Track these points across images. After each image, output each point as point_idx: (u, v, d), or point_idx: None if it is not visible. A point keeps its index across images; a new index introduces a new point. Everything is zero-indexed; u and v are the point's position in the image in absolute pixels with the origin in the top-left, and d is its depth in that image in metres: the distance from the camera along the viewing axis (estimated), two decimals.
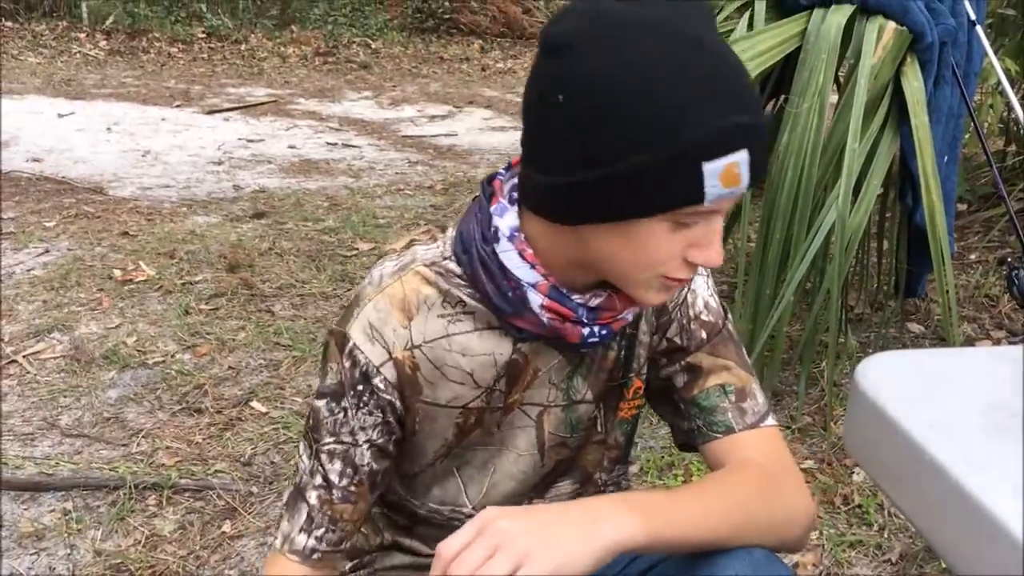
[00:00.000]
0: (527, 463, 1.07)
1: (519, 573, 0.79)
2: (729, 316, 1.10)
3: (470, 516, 0.86)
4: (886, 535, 1.97)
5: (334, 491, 0.99)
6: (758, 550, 0.92)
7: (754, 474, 0.99)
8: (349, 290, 3.22)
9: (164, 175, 4.75)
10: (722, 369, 1.06)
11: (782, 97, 2.49)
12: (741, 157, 0.81)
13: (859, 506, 2.06)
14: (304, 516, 0.99)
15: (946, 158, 2.53)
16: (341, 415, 0.98)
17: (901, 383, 0.82)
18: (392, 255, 1.01)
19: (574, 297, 0.94)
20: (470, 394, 1.01)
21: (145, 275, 3.31)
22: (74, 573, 1.84)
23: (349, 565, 1.18)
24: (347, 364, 0.97)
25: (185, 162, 5.02)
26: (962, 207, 3.70)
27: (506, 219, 0.94)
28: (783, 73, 2.53)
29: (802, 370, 2.42)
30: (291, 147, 5.48)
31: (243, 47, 8.92)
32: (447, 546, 0.82)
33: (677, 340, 1.07)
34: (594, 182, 0.83)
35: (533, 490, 1.10)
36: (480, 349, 0.99)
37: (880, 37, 2.33)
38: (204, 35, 8.99)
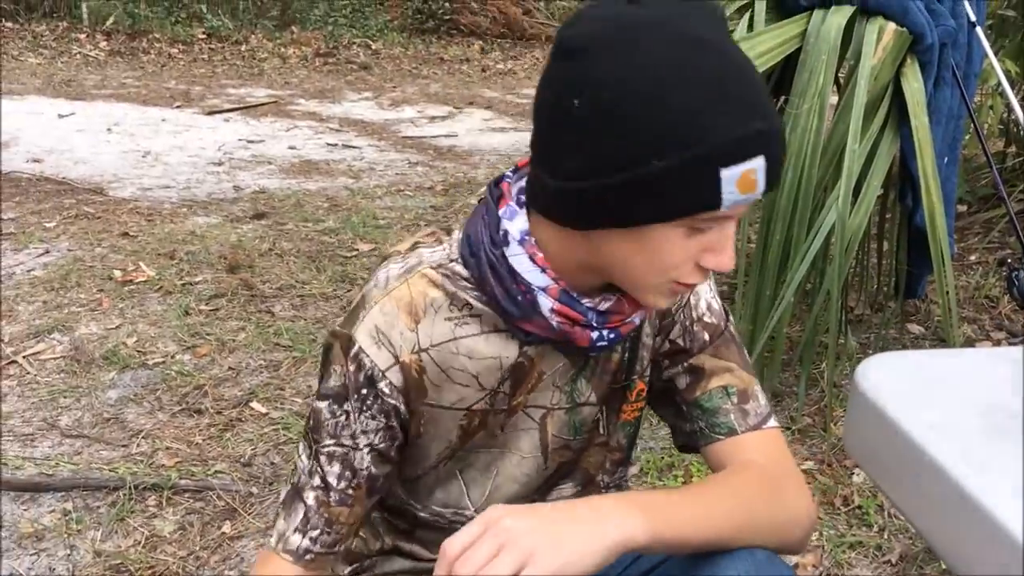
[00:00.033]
0: (530, 465, 1.07)
1: (524, 572, 0.79)
2: (730, 318, 1.10)
3: (472, 519, 0.86)
4: (886, 536, 1.97)
5: (332, 493, 0.98)
6: (760, 551, 0.92)
7: (756, 476, 0.99)
8: (349, 291, 3.23)
9: (164, 176, 4.76)
10: (724, 371, 1.06)
11: (782, 98, 2.49)
12: (758, 163, 0.81)
13: (859, 507, 2.06)
14: (300, 516, 0.99)
15: (946, 159, 2.53)
16: (343, 418, 0.97)
17: (901, 384, 0.82)
18: (396, 257, 1.00)
19: (584, 301, 0.94)
20: (474, 396, 1.01)
21: (145, 276, 3.31)
22: (74, 574, 1.83)
23: (348, 570, 1.17)
24: (352, 368, 0.96)
25: (185, 163, 5.03)
26: (962, 208, 3.70)
27: (516, 222, 0.94)
28: (783, 74, 2.53)
29: (802, 371, 2.42)
30: (291, 148, 5.48)
31: (243, 48, 8.92)
32: (451, 544, 0.82)
33: (680, 342, 1.07)
34: (610, 187, 0.82)
35: (536, 492, 1.10)
36: (486, 352, 0.98)
37: (880, 38, 2.33)
38: (204, 36, 9.00)
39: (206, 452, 2.25)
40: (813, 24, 2.39)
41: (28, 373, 2.62)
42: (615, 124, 0.81)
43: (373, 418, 0.97)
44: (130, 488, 2.07)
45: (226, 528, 1.98)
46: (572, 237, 0.90)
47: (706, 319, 1.07)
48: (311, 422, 1.00)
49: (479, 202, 1.00)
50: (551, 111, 0.86)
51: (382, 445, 0.98)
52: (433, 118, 6.65)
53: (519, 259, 0.93)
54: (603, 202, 0.84)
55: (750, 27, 2.50)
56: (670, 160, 0.79)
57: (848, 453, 1.24)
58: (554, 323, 0.94)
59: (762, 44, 2.38)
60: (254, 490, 2.10)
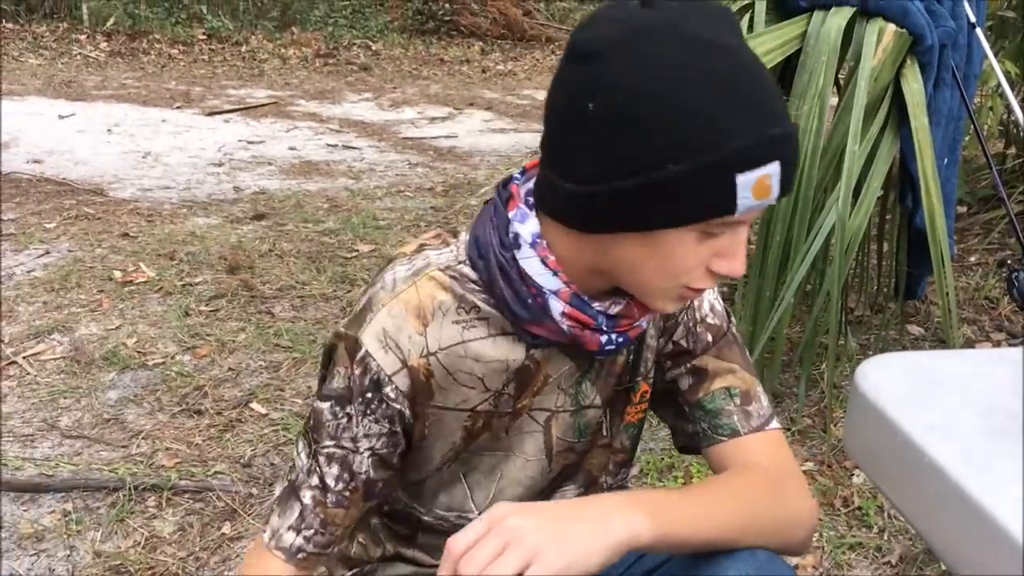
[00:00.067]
0: (535, 468, 1.07)
1: (529, 570, 0.79)
2: (732, 319, 1.10)
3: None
4: (886, 537, 1.97)
5: (329, 494, 0.97)
6: (761, 551, 0.92)
7: (759, 477, 0.99)
8: (349, 292, 3.23)
9: (164, 176, 4.76)
10: (727, 372, 1.06)
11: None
12: (773, 169, 0.81)
13: (859, 508, 2.06)
14: (296, 515, 0.98)
15: (946, 160, 2.53)
16: (344, 420, 0.96)
17: (901, 385, 0.82)
18: (403, 259, 0.99)
19: (594, 305, 0.93)
20: (478, 397, 1.00)
21: (145, 276, 3.31)
22: (73, 574, 1.83)
23: (349, 574, 1.17)
24: (357, 371, 0.95)
25: (185, 163, 5.03)
26: (962, 209, 3.70)
27: (528, 225, 0.93)
28: (783, 75, 2.53)
29: (802, 372, 2.42)
30: (291, 149, 5.48)
31: (244, 49, 8.92)
32: (456, 542, 0.81)
33: (683, 343, 1.07)
34: (623, 191, 0.82)
35: (539, 495, 1.09)
36: (494, 355, 0.98)
37: (880, 39, 2.33)
38: (205, 37, 9.00)
39: (206, 453, 2.25)
40: (813, 25, 2.39)
41: (28, 374, 2.62)
42: (629, 128, 0.80)
43: (376, 422, 0.96)
44: (130, 489, 2.07)
45: (226, 529, 1.98)
46: (581, 240, 0.89)
47: (709, 320, 1.07)
48: (311, 421, 0.99)
49: (485, 203, 0.99)
50: (564, 114, 0.85)
51: (383, 450, 0.98)
52: (433, 119, 6.65)
53: (531, 262, 0.92)
54: (615, 206, 0.83)
55: (750, 28, 2.50)
56: (685, 165, 0.79)
57: (848, 454, 1.24)
58: (564, 327, 0.93)
59: (762, 45, 2.38)
60: (254, 491, 2.10)
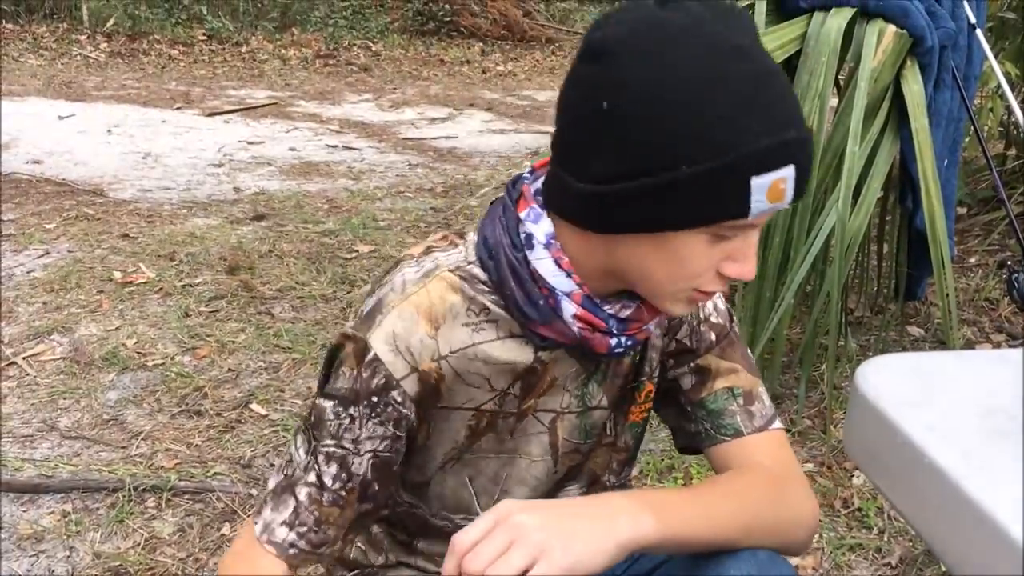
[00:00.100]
0: (540, 469, 1.06)
1: (535, 568, 0.79)
2: (735, 318, 1.10)
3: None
4: (886, 538, 1.97)
5: (325, 493, 0.96)
6: (762, 551, 0.92)
7: (763, 478, 0.99)
8: (349, 293, 3.23)
9: (164, 177, 4.76)
10: (730, 372, 1.06)
11: None
12: (788, 173, 0.80)
13: (859, 509, 2.06)
14: (290, 510, 0.96)
15: (946, 161, 2.53)
16: (347, 421, 0.95)
17: (901, 386, 0.82)
18: (410, 261, 0.98)
19: (605, 307, 0.93)
20: (484, 396, 0.99)
21: (145, 277, 3.31)
22: (73, 575, 1.83)
23: (349, 575, 1.17)
24: (365, 374, 0.93)
25: (185, 164, 5.03)
26: (962, 210, 3.70)
27: (541, 225, 0.92)
28: None
29: (802, 373, 2.42)
30: (291, 149, 5.48)
31: (244, 49, 8.93)
32: (461, 538, 0.81)
33: (686, 342, 1.06)
34: (637, 192, 0.81)
35: (544, 495, 1.09)
36: (502, 358, 0.97)
37: (880, 40, 2.33)
38: (205, 37, 9.00)
39: (205, 454, 2.25)
40: (813, 26, 2.39)
41: (28, 374, 2.62)
42: (643, 128, 0.80)
43: (381, 424, 0.95)
44: (129, 490, 2.07)
45: (225, 530, 1.98)
46: (592, 240, 0.89)
47: (712, 319, 1.07)
48: (312, 418, 0.97)
49: (492, 203, 0.98)
50: (577, 112, 0.85)
51: (385, 453, 0.97)
52: (433, 120, 6.65)
53: (544, 263, 0.91)
54: (627, 206, 0.83)
55: None
56: (698, 166, 0.79)
57: (848, 455, 1.24)
58: (575, 329, 0.93)
59: None
60: (253, 492, 2.10)
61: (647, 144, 0.80)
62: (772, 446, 1.04)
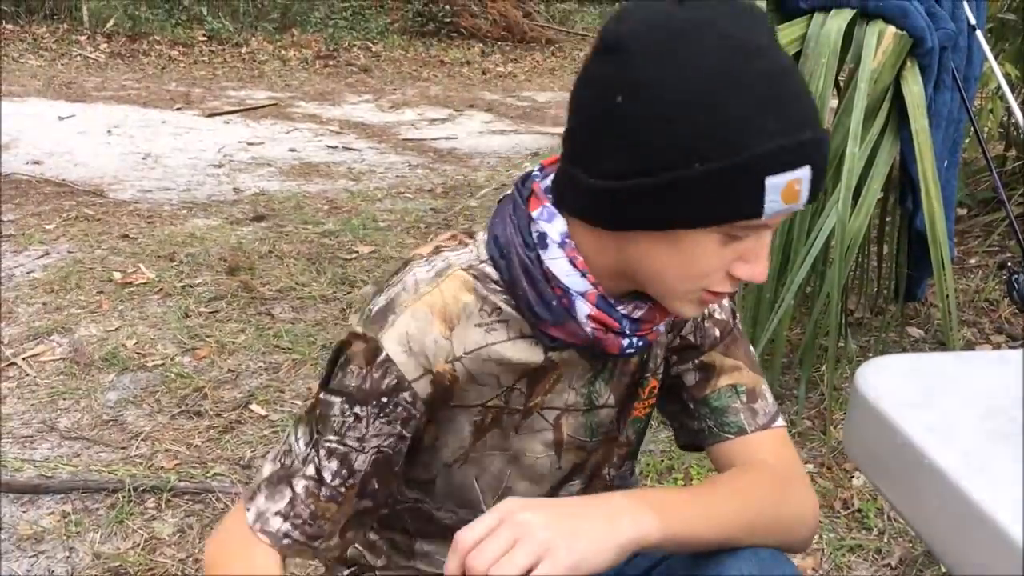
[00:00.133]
0: (544, 465, 1.06)
1: (538, 567, 0.79)
2: (737, 315, 1.09)
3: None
4: (886, 539, 1.97)
5: (323, 488, 0.94)
6: (764, 549, 0.92)
7: (767, 476, 0.99)
8: (349, 293, 3.23)
9: (164, 178, 4.76)
10: (733, 369, 1.05)
11: None
12: (804, 174, 0.80)
13: (859, 510, 2.06)
14: (286, 501, 0.94)
15: (946, 163, 2.53)
16: (352, 419, 0.93)
17: (901, 387, 0.82)
18: (420, 260, 0.97)
19: (618, 308, 0.92)
20: (490, 393, 0.98)
21: (145, 278, 3.31)
22: None
23: (347, 572, 1.17)
24: (376, 374, 0.92)
25: (185, 165, 5.03)
26: (962, 211, 3.70)
27: (555, 224, 0.91)
28: None
29: (802, 374, 2.42)
30: (291, 150, 5.48)
31: (244, 50, 8.93)
32: (465, 536, 0.81)
33: (691, 338, 1.06)
34: (650, 189, 0.80)
35: (548, 491, 1.08)
36: (515, 358, 0.96)
37: (880, 41, 2.33)
38: (205, 38, 9.00)
39: (205, 454, 2.25)
40: (813, 27, 2.39)
41: (28, 375, 2.61)
42: (658, 124, 0.79)
43: (388, 424, 0.93)
44: (129, 490, 2.07)
45: None
46: (602, 239, 0.88)
47: (716, 315, 1.06)
48: (317, 411, 0.96)
49: (500, 201, 0.97)
50: (591, 107, 0.84)
51: (389, 451, 0.95)
52: (433, 121, 6.65)
53: (559, 262, 0.90)
54: (640, 203, 0.82)
55: None
56: (713, 165, 0.78)
57: (848, 456, 1.24)
58: (588, 329, 0.92)
59: None
60: None
61: (660, 141, 0.79)
62: (775, 444, 1.04)
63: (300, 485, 0.94)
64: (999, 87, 2.80)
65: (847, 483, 2.15)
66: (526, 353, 0.96)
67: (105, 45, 8.64)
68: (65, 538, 1.94)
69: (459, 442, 1.02)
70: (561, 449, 1.05)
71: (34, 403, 2.47)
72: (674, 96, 0.78)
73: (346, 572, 1.16)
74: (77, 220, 3.96)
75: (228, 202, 4.36)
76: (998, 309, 3.04)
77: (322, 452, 0.94)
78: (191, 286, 3.25)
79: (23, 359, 2.69)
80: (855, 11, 2.39)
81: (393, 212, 4.28)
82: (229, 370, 2.66)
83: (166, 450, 2.26)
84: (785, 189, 0.79)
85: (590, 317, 0.91)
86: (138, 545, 1.92)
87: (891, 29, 2.35)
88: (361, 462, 0.94)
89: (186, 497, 2.08)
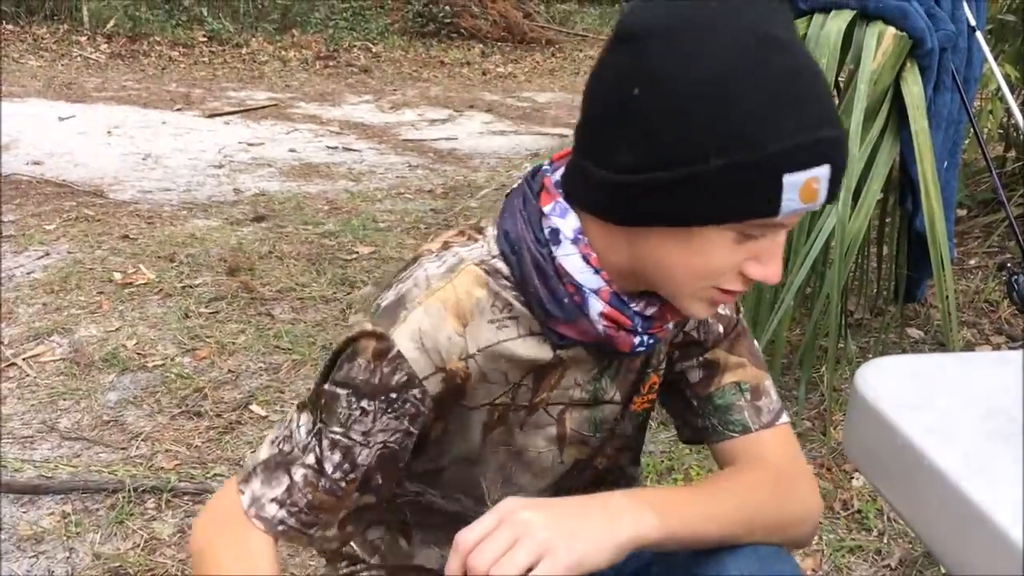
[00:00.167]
0: (546, 459, 1.05)
1: (539, 567, 0.79)
2: (742, 311, 1.09)
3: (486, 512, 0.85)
4: (886, 540, 1.97)
5: (323, 479, 0.92)
6: (765, 547, 0.92)
7: (771, 474, 0.99)
8: (349, 294, 3.23)
9: (164, 178, 4.76)
10: (737, 366, 1.04)
11: None
12: (823, 172, 0.78)
13: (859, 511, 2.06)
14: (283, 488, 0.92)
15: (946, 164, 2.53)
16: (358, 413, 0.91)
17: (901, 388, 0.82)
18: (430, 256, 0.95)
19: (631, 305, 0.91)
20: (499, 390, 0.98)
21: (145, 278, 3.31)
22: None
23: (344, 566, 1.17)
24: (386, 370, 0.90)
25: (185, 165, 5.03)
26: (962, 212, 3.70)
27: (568, 220, 0.89)
28: None
29: (802, 375, 2.42)
30: (291, 151, 5.48)
31: (244, 51, 8.93)
32: (466, 536, 0.81)
33: (694, 334, 1.05)
34: (665, 184, 0.79)
35: (550, 487, 1.08)
36: (525, 356, 0.95)
37: (880, 43, 2.33)
38: (205, 39, 9.00)
39: (205, 455, 2.25)
40: (813, 28, 2.39)
41: (28, 375, 2.61)
42: (675, 117, 0.77)
43: (396, 419, 0.92)
44: (129, 491, 2.07)
45: None
46: (614, 235, 0.87)
47: (721, 311, 1.05)
48: (322, 401, 0.94)
49: (508, 196, 0.96)
50: (607, 98, 0.82)
51: (395, 447, 0.94)
52: (433, 121, 6.65)
53: (572, 259, 0.89)
54: (653, 198, 0.80)
55: None
56: (731, 161, 0.76)
57: (848, 457, 1.24)
58: (600, 327, 0.91)
59: None
60: None
61: (676, 135, 0.77)
62: (779, 441, 1.03)
63: (299, 473, 0.93)
64: (999, 88, 2.80)
65: (847, 484, 2.15)
66: (535, 350, 0.95)
67: (105, 46, 8.64)
68: (65, 538, 1.94)
69: (467, 440, 1.01)
70: (564, 444, 1.05)
71: (34, 403, 2.47)
72: (692, 89, 0.76)
73: (344, 568, 1.16)
74: (77, 221, 3.96)
75: (228, 203, 4.36)
76: (998, 310, 3.04)
77: (325, 443, 0.93)
78: (191, 287, 3.25)
79: (23, 359, 2.69)
80: (855, 12, 2.39)
81: (393, 213, 4.28)
82: (229, 371, 2.66)
83: (166, 450, 2.26)
84: (803, 188, 0.78)
85: (603, 315, 0.90)
86: (138, 545, 1.92)
87: (891, 30, 2.35)
88: (365, 457, 0.93)
89: (186, 497, 2.08)
